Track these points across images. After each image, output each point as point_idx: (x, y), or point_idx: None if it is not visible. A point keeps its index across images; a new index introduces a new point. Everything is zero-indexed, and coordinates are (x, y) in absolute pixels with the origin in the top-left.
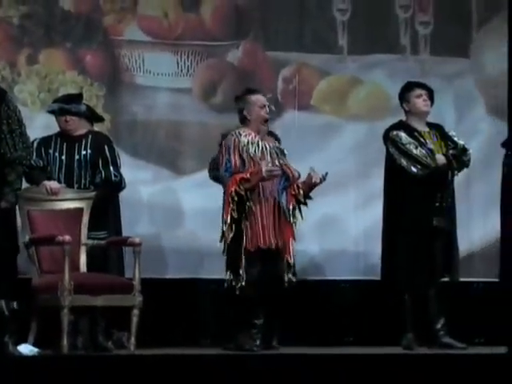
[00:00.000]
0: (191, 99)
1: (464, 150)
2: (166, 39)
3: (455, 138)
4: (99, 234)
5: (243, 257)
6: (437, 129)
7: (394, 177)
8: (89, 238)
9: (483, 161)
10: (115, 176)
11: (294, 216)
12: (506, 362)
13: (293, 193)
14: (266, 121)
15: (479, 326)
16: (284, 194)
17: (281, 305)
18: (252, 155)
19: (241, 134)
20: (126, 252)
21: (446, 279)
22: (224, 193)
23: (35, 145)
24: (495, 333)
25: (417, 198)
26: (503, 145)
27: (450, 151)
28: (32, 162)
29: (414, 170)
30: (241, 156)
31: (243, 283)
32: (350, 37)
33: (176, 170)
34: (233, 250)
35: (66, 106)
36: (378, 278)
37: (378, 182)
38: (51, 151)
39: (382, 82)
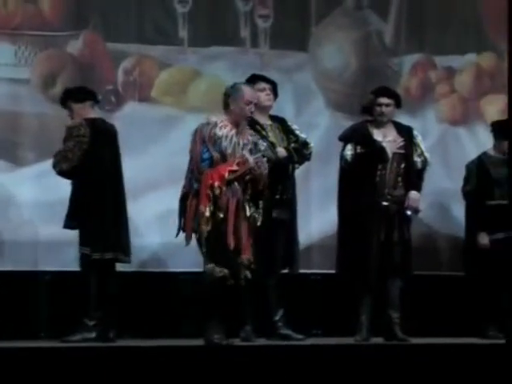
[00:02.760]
0: (30, 90)
1: (305, 144)
2: (3, 29)
3: (297, 132)
4: None
5: (225, 248)
6: (279, 122)
7: None
8: None
9: (321, 154)
10: None
11: (249, 208)
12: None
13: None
14: (247, 118)
15: (317, 317)
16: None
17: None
18: (223, 149)
19: (217, 125)
20: None
21: (285, 271)
22: (192, 185)
23: None
24: (332, 324)
25: None
26: (340, 138)
27: (292, 144)
28: None
29: None
30: (214, 148)
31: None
32: (190, 29)
33: (14, 161)
34: (213, 242)
35: None
36: None
37: None
38: None
39: (223, 74)
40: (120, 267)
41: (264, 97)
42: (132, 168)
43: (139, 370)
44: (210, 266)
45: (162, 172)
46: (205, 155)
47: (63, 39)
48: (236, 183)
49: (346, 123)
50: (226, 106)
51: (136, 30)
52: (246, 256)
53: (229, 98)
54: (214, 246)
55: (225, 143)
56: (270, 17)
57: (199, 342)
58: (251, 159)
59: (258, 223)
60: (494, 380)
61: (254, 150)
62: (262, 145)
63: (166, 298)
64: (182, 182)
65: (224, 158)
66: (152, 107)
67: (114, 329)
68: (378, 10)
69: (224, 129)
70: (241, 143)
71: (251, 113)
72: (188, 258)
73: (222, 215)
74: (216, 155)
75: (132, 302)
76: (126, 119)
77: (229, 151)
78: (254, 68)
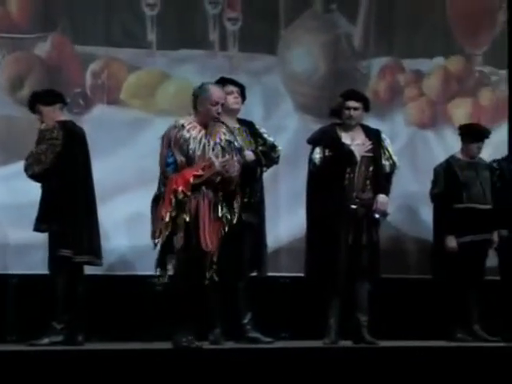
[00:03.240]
0: None
1: (273, 147)
2: None
3: (265, 135)
4: None
5: (175, 255)
6: (247, 125)
7: None
8: None
9: (289, 157)
10: None
11: (221, 208)
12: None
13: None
14: (215, 119)
15: (285, 320)
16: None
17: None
18: (191, 152)
19: (184, 127)
20: None
21: (253, 274)
22: (161, 189)
23: None
24: (301, 327)
25: None
26: (309, 141)
27: (260, 148)
28: None
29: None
30: (181, 151)
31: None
32: (159, 32)
33: None
34: (166, 247)
35: None
36: None
37: None
38: None
39: (191, 77)
40: (88, 270)
41: (232, 100)
42: (100, 171)
43: (108, 373)
44: (159, 270)
45: (130, 175)
46: (170, 159)
47: (31, 41)
48: (204, 187)
49: (315, 126)
50: (195, 107)
51: (104, 33)
52: (211, 257)
53: (197, 98)
54: (170, 250)
55: (193, 145)
56: (238, 20)
57: (168, 345)
58: (217, 163)
59: (234, 221)
60: (461, 382)
61: (228, 148)
62: (238, 143)
63: (134, 301)
64: (150, 185)
65: (192, 160)
66: (120, 110)
67: (83, 332)
68: (347, 13)
69: (192, 131)
70: (211, 144)
71: (218, 114)
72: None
73: (187, 219)
74: (181, 159)
75: (100, 305)
76: (95, 122)
77: (198, 153)
78: (222, 71)
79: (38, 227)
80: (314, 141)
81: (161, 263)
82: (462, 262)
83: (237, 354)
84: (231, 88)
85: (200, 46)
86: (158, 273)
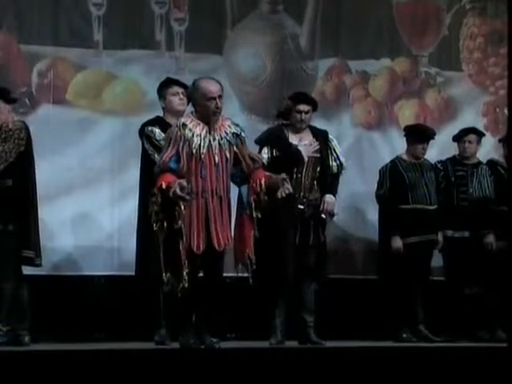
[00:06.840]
0: None
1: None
2: None
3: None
4: None
5: (183, 258)
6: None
7: (149, 172)
8: None
9: None
10: None
11: (256, 208)
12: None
13: (254, 185)
14: (215, 114)
15: (232, 320)
16: (246, 185)
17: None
18: (194, 151)
19: (186, 126)
20: None
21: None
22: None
23: None
24: (247, 327)
25: None
26: (256, 141)
27: None
28: None
29: None
30: (178, 151)
31: (185, 285)
32: (105, 31)
33: None
34: (171, 250)
35: None
36: (132, 273)
37: (133, 177)
38: None
39: (138, 77)
40: (33, 271)
41: (177, 101)
42: (47, 171)
43: (55, 374)
44: (167, 275)
45: (76, 175)
46: (162, 158)
47: None
48: (209, 190)
49: (262, 126)
50: (194, 106)
51: (51, 32)
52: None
53: (192, 97)
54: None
55: (197, 142)
56: (185, 20)
57: (115, 345)
58: (172, 190)
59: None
60: (407, 383)
61: (234, 141)
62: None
63: (79, 300)
64: (96, 185)
65: (198, 157)
66: (67, 110)
67: (29, 333)
68: (294, 14)
69: (195, 128)
70: (216, 138)
71: (217, 108)
72: (102, 261)
73: (178, 224)
74: (165, 157)
75: (45, 305)
76: (41, 122)
77: (203, 150)
78: (169, 71)
79: None
80: (261, 141)
81: (165, 267)
82: (408, 263)
83: (182, 355)
84: (176, 89)
85: (147, 46)
86: (165, 278)
